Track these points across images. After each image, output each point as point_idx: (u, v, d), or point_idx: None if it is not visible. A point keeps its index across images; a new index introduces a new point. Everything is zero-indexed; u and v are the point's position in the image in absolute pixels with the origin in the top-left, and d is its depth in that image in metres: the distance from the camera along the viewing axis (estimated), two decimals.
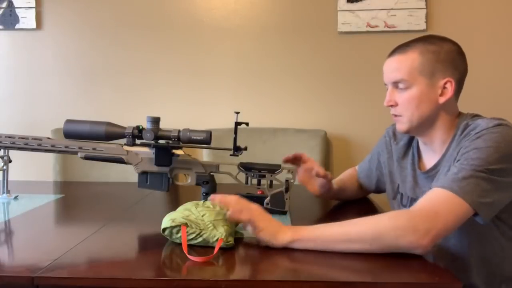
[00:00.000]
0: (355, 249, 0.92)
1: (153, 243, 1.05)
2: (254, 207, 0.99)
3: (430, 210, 0.94)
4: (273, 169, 1.22)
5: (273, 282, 0.82)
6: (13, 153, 1.42)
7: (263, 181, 1.22)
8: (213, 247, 0.93)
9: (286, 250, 0.97)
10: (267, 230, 0.95)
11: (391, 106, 1.15)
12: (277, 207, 1.22)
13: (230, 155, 1.19)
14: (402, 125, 1.16)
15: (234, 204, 0.98)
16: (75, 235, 1.08)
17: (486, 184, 0.96)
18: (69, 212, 1.40)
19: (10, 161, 1.42)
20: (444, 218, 0.92)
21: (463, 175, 0.97)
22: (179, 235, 0.96)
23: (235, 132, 1.17)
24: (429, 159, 1.19)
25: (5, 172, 1.42)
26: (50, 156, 2.18)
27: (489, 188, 0.96)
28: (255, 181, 1.23)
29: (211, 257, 0.89)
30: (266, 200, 1.22)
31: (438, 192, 0.97)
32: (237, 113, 1.16)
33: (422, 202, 0.97)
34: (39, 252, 0.96)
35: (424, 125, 1.14)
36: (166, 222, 0.98)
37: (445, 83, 1.11)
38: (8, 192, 1.44)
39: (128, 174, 2.02)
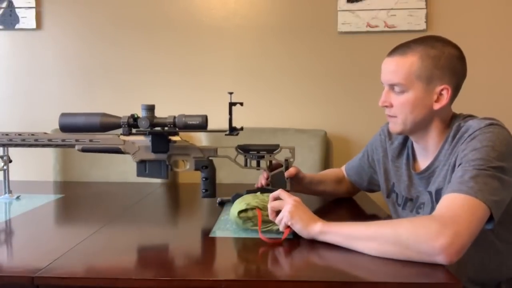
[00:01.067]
0: (376, 249, 0.90)
1: (153, 243, 1.05)
2: (294, 199, 1.03)
3: (451, 214, 0.90)
4: (271, 149, 1.21)
5: (273, 282, 0.82)
6: (12, 153, 1.42)
7: (262, 162, 1.21)
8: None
9: (286, 250, 0.97)
10: (300, 220, 0.99)
11: (386, 106, 1.15)
12: (278, 187, 1.19)
13: (226, 134, 1.18)
14: (396, 126, 1.16)
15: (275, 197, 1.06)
16: (75, 235, 1.08)
17: (492, 181, 0.96)
18: (69, 212, 1.40)
19: (11, 161, 1.42)
20: (466, 220, 0.89)
21: (469, 176, 0.96)
22: (254, 218, 1.05)
23: (230, 113, 1.16)
24: (423, 160, 1.19)
25: (5, 172, 1.42)
26: (50, 156, 2.18)
27: (495, 185, 0.96)
28: (254, 162, 1.22)
29: (280, 240, 0.99)
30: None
31: (452, 197, 0.95)
32: (231, 93, 1.16)
33: (440, 209, 0.94)
34: (39, 252, 0.96)
35: (418, 128, 1.14)
36: (240, 206, 1.07)
37: (442, 90, 1.10)
38: (10, 192, 1.44)
39: (128, 174, 2.02)
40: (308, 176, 1.35)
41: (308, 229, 0.98)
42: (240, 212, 1.07)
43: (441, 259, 0.85)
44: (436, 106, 1.10)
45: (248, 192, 1.19)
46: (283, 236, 1.00)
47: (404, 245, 0.87)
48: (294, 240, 1.01)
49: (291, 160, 1.22)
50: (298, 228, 1.00)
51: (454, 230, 0.86)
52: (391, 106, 1.14)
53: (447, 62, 1.10)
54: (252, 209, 1.06)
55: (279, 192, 1.07)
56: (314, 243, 0.98)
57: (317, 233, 0.98)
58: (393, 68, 1.12)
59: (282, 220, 1.01)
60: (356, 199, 1.51)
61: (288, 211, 1.00)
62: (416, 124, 1.13)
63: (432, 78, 1.09)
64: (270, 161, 1.21)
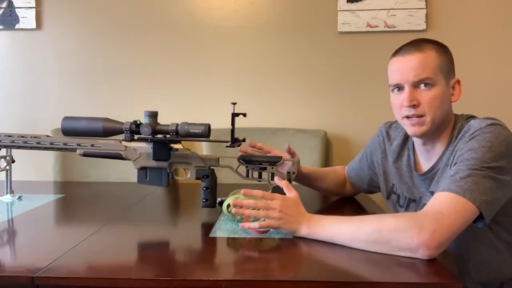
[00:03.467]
0: (360, 247, 0.93)
1: (153, 243, 1.05)
2: (280, 204, 1.02)
3: (434, 211, 0.93)
4: (274, 161, 1.20)
5: (273, 282, 0.82)
6: (12, 153, 1.42)
7: (264, 174, 1.21)
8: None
9: (286, 250, 0.97)
10: (286, 226, 1.01)
11: (413, 106, 1.09)
12: None
13: (227, 146, 1.17)
14: (421, 128, 1.10)
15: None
16: (75, 235, 1.08)
17: (484, 181, 0.96)
18: (69, 212, 1.40)
19: (13, 161, 1.42)
20: (449, 218, 0.91)
21: (460, 175, 0.97)
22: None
23: (233, 124, 1.15)
24: (426, 161, 1.19)
25: (8, 172, 1.42)
26: (50, 156, 2.18)
27: (488, 185, 0.96)
28: (256, 174, 1.21)
29: (268, 231, 1.04)
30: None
31: (440, 195, 0.97)
32: (234, 103, 1.15)
33: (426, 207, 0.97)
34: (39, 252, 0.96)
35: (440, 125, 1.12)
36: (230, 200, 1.13)
37: (454, 83, 1.13)
38: (12, 192, 1.44)
39: (128, 174, 2.02)
40: (304, 171, 1.35)
41: (295, 233, 1.01)
42: (229, 205, 1.12)
43: (420, 254, 0.88)
44: (454, 99, 1.13)
45: None
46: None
47: (386, 241, 0.90)
48: (294, 240, 1.01)
49: (293, 174, 1.21)
50: (285, 232, 1.02)
51: (434, 226, 0.89)
52: (419, 104, 1.09)
53: (451, 57, 1.14)
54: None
55: (262, 193, 1.06)
56: (314, 243, 0.98)
57: (304, 236, 1.00)
58: (418, 64, 1.09)
59: (265, 221, 1.02)
60: (357, 197, 1.51)
61: (275, 224, 1.01)
62: (442, 120, 1.11)
63: (449, 71, 1.12)
64: (272, 173, 1.21)
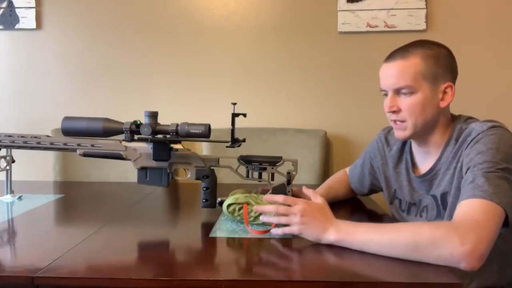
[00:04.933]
0: (393, 255, 0.89)
1: (153, 243, 1.05)
2: (304, 202, 1.00)
3: (470, 220, 0.90)
4: (274, 161, 1.20)
5: (273, 282, 0.82)
6: (12, 153, 1.42)
7: (264, 174, 1.20)
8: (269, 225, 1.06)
9: (286, 250, 0.97)
10: (311, 231, 0.98)
11: (394, 112, 1.13)
12: None
13: (227, 146, 1.17)
14: (404, 132, 1.13)
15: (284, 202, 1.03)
16: (75, 235, 1.08)
17: (503, 183, 0.95)
18: (69, 212, 1.40)
19: (14, 161, 1.42)
20: (486, 226, 0.89)
21: (480, 180, 0.96)
22: (241, 212, 1.12)
23: (233, 124, 1.16)
24: (424, 164, 1.19)
25: (8, 172, 1.42)
26: (50, 156, 2.18)
27: (506, 187, 0.95)
28: (256, 174, 1.21)
29: (268, 231, 1.04)
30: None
31: (467, 203, 0.94)
32: (234, 104, 1.15)
33: (458, 216, 0.93)
34: (39, 252, 0.96)
35: (426, 129, 1.13)
36: (230, 200, 1.14)
37: (446, 88, 1.11)
38: (12, 192, 1.44)
39: (128, 174, 2.02)
40: None
41: (322, 239, 0.97)
42: (229, 205, 1.14)
43: (462, 266, 0.85)
44: (443, 104, 1.11)
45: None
46: (272, 225, 1.04)
47: (424, 254, 0.87)
48: (294, 240, 1.01)
49: (294, 173, 1.20)
50: (310, 239, 0.98)
51: (475, 237, 0.86)
52: (399, 110, 1.12)
53: (446, 61, 1.12)
54: (239, 203, 1.13)
55: (284, 198, 1.03)
56: (314, 243, 0.98)
57: (331, 242, 0.96)
58: (398, 72, 1.11)
59: (290, 226, 0.99)
60: (358, 197, 1.51)
61: (296, 229, 0.98)
62: (426, 125, 1.12)
63: (436, 77, 1.10)
64: (272, 174, 1.20)
